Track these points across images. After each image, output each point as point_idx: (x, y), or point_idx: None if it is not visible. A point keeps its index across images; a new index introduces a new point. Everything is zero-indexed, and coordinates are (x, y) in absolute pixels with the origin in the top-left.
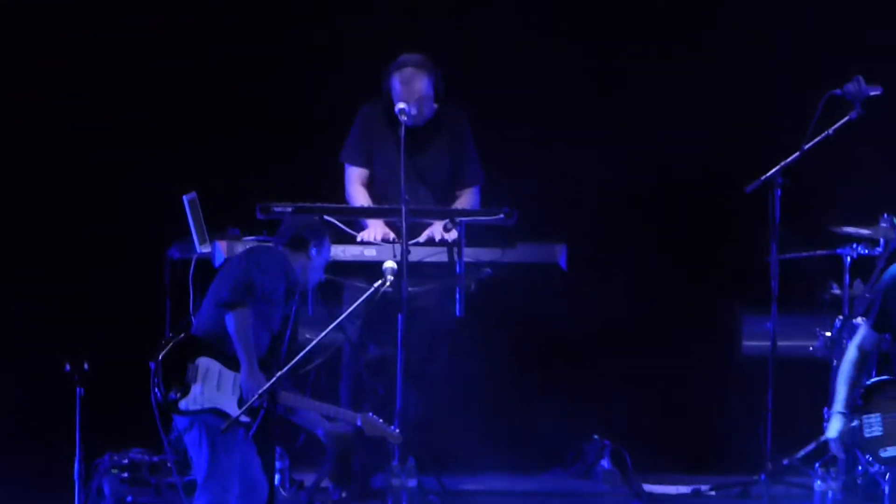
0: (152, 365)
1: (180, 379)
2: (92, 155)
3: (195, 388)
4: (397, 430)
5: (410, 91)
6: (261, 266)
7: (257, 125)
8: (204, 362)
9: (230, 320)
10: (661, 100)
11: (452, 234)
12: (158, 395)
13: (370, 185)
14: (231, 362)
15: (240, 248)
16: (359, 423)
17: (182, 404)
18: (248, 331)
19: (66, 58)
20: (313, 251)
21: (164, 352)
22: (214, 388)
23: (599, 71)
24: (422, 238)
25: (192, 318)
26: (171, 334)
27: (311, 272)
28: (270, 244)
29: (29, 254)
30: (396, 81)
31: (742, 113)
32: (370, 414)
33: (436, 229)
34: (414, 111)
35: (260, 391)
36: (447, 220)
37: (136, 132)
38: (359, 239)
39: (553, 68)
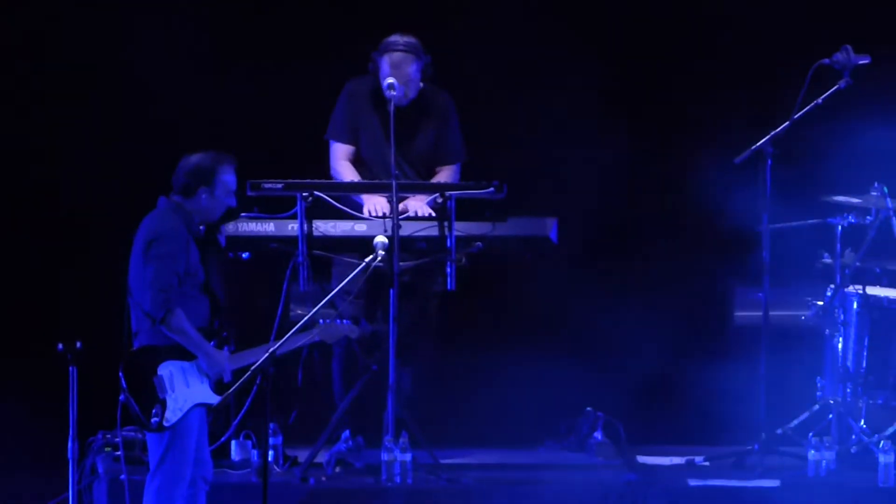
0: (122, 398)
1: (154, 398)
2: (84, 131)
3: (170, 399)
4: (349, 322)
5: (399, 75)
6: (163, 255)
7: (247, 103)
8: (164, 369)
9: (167, 330)
10: (653, 71)
11: (424, 209)
12: (144, 421)
13: (357, 164)
14: (186, 353)
15: (231, 225)
16: (317, 339)
17: (167, 421)
18: (186, 326)
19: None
20: (203, 196)
21: (127, 383)
22: (185, 387)
23: (590, 43)
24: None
25: (128, 320)
26: (123, 354)
27: (207, 214)
28: (162, 204)
29: (21, 232)
30: (386, 64)
31: (733, 83)
32: (321, 321)
33: (410, 204)
34: (399, 93)
35: (252, 369)
36: (434, 196)
37: (128, 110)
38: (365, 213)
39: (544, 39)
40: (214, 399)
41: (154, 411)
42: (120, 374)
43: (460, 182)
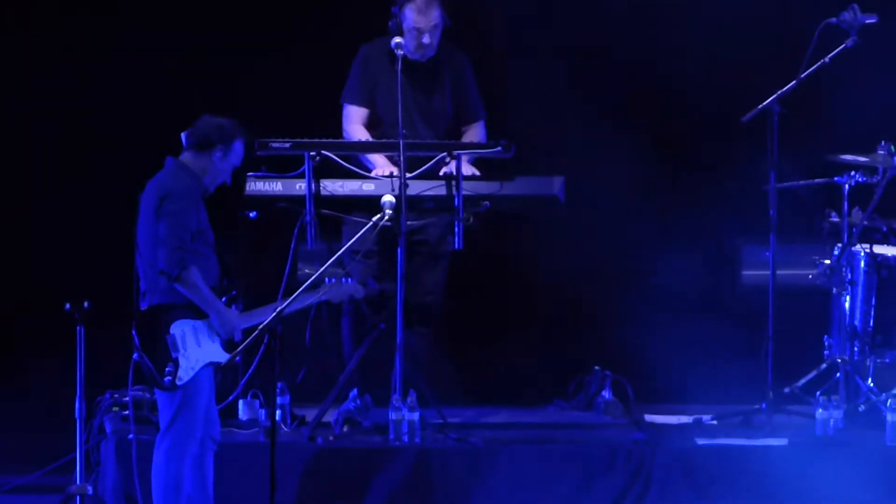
0: (136, 356)
1: (166, 356)
2: (93, 94)
3: (182, 358)
4: (354, 282)
5: (425, 20)
6: (176, 211)
7: (260, 61)
8: (177, 328)
9: (181, 288)
10: (659, 30)
11: (471, 169)
12: (158, 380)
13: (373, 127)
14: (197, 312)
15: None
16: (323, 298)
17: (179, 380)
18: (200, 284)
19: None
20: (217, 154)
21: (140, 342)
22: (196, 346)
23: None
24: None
25: (138, 280)
26: (135, 313)
27: (215, 175)
28: (170, 164)
29: (28, 192)
30: (411, 11)
31: (739, 42)
32: (327, 280)
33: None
34: (427, 40)
35: (260, 328)
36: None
37: (134, 69)
38: (373, 174)
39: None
40: (225, 358)
41: (167, 370)
42: (133, 332)
43: (467, 142)
